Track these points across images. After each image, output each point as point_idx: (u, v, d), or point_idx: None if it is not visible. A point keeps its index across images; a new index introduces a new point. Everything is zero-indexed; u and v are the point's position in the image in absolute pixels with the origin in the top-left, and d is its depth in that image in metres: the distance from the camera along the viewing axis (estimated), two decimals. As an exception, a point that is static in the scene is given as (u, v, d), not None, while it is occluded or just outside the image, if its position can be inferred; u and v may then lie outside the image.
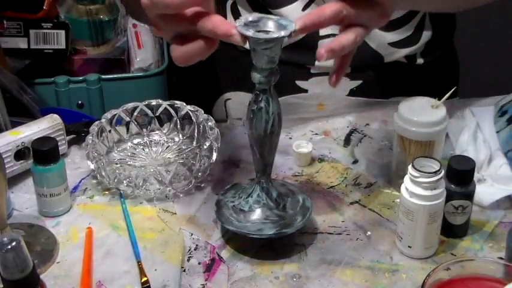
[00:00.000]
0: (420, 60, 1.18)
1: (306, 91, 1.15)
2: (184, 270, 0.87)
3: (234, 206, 0.90)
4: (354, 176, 1.02)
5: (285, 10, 1.10)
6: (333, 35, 1.12)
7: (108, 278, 0.86)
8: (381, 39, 1.13)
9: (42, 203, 0.95)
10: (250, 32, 0.78)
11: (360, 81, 1.15)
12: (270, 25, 0.81)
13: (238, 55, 1.08)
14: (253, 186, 0.90)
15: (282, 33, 0.78)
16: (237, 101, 1.21)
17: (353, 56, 1.12)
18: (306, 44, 1.12)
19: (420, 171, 0.84)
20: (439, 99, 0.95)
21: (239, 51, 1.16)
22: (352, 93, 1.16)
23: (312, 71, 1.14)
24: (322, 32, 1.11)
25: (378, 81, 1.17)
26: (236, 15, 1.15)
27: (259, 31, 0.79)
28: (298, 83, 1.15)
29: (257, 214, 0.88)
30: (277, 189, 0.90)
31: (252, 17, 0.81)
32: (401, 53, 1.15)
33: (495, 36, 1.89)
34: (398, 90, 1.18)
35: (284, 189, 0.92)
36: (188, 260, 0.88)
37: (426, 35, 1.16)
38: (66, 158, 1.05)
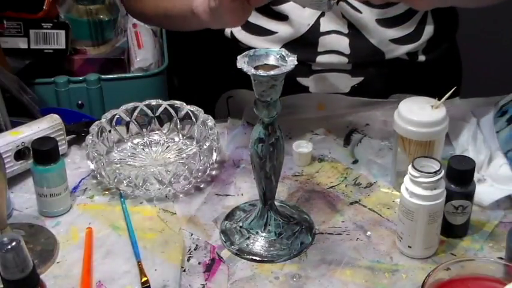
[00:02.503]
0: (422, 58, 1.18)
1: (307, 88, 1.15)
2: (184, 270, 0.87)
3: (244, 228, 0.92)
4: (354, 176, 1.02)
5: (286, 6, 1.10)
6: (335, 32, 1.12)
7: (108, 278, 0.86)
8: (382, 35, 1.13)
9: (42, 203, 0.95)
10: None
11: (361, 78, 1.15)
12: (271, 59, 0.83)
13: (240, 53, 1.08)
14: (265, 211, 0.91)
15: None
16: (239, 99, 1.21)
17: (354, 53, 1.13)
18: (307, 40, 1.12)
19: (420, 171, 0.84)
20: (439, 99, 0.95)
21: (241, 49, 1.16)
22: (354, 89, 1.16)
23: (313, 67, 1.15)
24: (324, 28, 1.11)
25: (379, 78, 1.16)
26: None
27: (258, 66, 0.82)
28: (299, 79, 1.15)
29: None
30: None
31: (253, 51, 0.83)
32: (403, 49, 1.15)
33: (495, 37, 1.89)
34: (399, 88, 1.18)
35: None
36: (188, 260, 0.88)
37: (428, 32, 1.16)
38: (66, 158, 1.05)
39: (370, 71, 1.16)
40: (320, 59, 1.13)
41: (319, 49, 1.13)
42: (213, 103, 1.24)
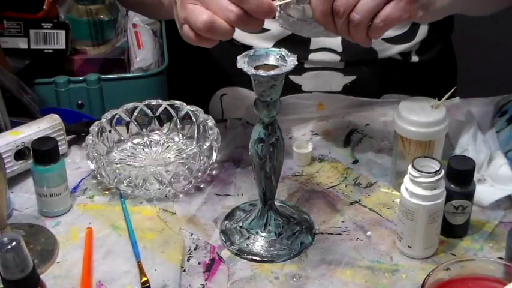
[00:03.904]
0: (415, 58, 1.18)
1: (299, 86, 1.15)
2: (184, 270, 0.87)
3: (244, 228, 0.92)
4: (354, 176, 1.02)
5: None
6: None
7: (108, 278, 0.86)
8: None
9: (42, 203, 0.95)
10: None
11: (353, 77, 1.16)
12: (271, 59, 0.83)
13: (234, 50, 1.09)
14: (265, 211, 0.91)
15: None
16: (233, 96, 1.21)
17: (346, 51, 1.13)
18: (299, 38, 1.12)
19: (420, 171, 0.84)
20: (439, 99, 0.95)
21: (235, 46, 1.16)
22: (346, 88, 1.16)
23: (305, 65, 1.15)
24: None
25: (371, 77, 1.17)
26: None
27: (258, 66, 0.82)
28: (292, 77, 1.15)
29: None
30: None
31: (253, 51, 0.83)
32: (396, 49, 1.15)
33: (495, 36, 1.89)
34: (392, 87, 1.18)
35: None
36: (188, 260, 0.88)
37: (422, 33, 1.16)
38: (66, 158, 1.05)
39: (362, 69, 1.16)
40: (312, 56, 1.13)
41: (311, 47, 1.13)
42: (207, 101, 1.24)
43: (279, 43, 1.13)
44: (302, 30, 0.88)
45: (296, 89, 1.15)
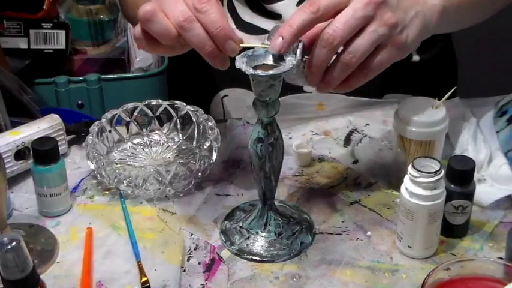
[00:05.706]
0: (416, 58, 1.18)
1: (301, 87, 1.15)
2: (184, 270, 0.87)
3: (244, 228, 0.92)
4: (354, 176, 1.02)
5: (280, 5, 1.10)
6: None
7: (108, 278, 0.86)
8: None
9: (42, 203, 0.95)
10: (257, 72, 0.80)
11: None
12: (270, 58, 0.82)
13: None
14: (265, 211, 0.91)
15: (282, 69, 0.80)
16: (234, 98, 1.21)
17: None
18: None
19: (420, 171, 0.84)
20: (439, 99, 0.95)
21: None
22: None
23: None
24: None
25: (373, 77, 1.16)
26: (233, 12, 1.15)
27: (257, 66, 0.82)
28: None
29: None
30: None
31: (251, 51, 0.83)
32: None
33: (495, 36, 1.89)
34: (394, 87, 1.18)
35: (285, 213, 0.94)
36: (188, 260, 0.88)
37: None
38: (66, 158, 1.05)
39: None
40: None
41: None
42: (208, 102, 1.24)
43: None
44: (296, 79, 0.87)
45: (298, 89, 1.15)
